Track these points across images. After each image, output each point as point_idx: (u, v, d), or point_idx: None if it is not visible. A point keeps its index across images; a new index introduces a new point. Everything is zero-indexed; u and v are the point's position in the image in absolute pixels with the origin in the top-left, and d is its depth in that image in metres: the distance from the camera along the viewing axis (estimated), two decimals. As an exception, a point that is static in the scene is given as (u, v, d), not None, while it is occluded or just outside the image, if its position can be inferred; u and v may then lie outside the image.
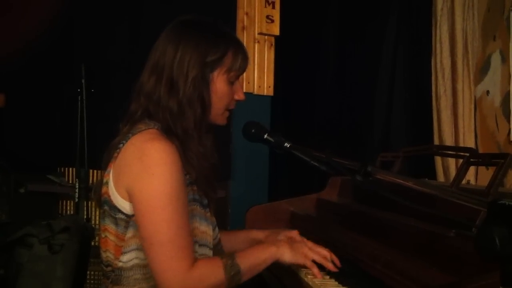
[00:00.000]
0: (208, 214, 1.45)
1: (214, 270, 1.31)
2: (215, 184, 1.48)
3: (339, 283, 1.42)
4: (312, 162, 1.44)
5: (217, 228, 1.49)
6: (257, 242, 1.57)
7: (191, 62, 1.37)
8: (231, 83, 1.44)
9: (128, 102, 1.43)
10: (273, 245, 1.42)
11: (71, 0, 3.25)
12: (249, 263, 1.36)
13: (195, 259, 1.30)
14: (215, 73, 1.41)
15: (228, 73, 1.42)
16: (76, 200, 2.95)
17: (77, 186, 2.95)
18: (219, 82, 1.42)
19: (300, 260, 1.41)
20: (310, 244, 1.46)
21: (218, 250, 1.47)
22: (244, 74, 1.69)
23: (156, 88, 1.38)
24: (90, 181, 2.97)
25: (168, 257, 1.26)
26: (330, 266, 1.43)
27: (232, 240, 1.62)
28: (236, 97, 1.47)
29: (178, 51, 1.37)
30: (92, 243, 1.94)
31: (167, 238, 1.26)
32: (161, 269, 1.26)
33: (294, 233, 1.60)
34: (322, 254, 1.44)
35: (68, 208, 3.43)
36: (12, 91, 2.98)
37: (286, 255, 1.40)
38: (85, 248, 1.80)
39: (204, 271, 1.29)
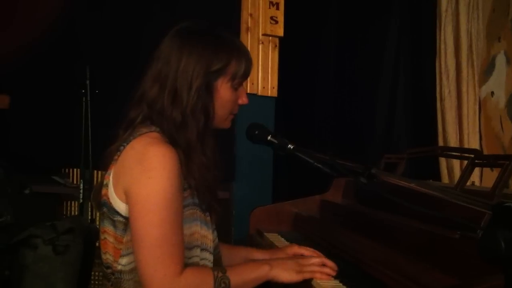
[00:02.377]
0: (208, 218, 1.44)
1: (203, 280, 1.29)
2: (218, 195, 1.47)
3: (343, 284, 1.42)
4: (315, 164, 1.44)
5: (215, 231, 1.48)
6: None
7: (194, 72, 1.36)
8: (235, 89, 1.44)
9: (128, 108, 1.42)
10: (267, 264, 1.40)
11: (74, 1, 3.25)
12: (240, 279, 1.34)
13: (184, 267, 1.28)
14: (219, 82, 1.40)
15: (232, 81, 1.42)
16: (81, 201, 2.95)
17: (81, 187, 2.96)
18: (223, 90, 1.41)
19: (295, 278, 1.40)
20: (302, 260, 1.46)
21: (216, 254, 1.47)
22: (248, 76, 1.68)
23: (159, 98, 1.38)
24: (95, 182, 2.98)
25: (156, 262, 1.24)
26: (325, 277, 1.43)
27: (233, 255, 1.60)
28: (240, 101, 1.47)
29: (181, 62, 1.37)
30: (96, 244, 1.94)
31: (157, 242, 1.25)
32: (148, 273, 1.25)
33: (295, 249, 1.59)
34: (316, 269, 1.44)
35: (73, 209, 3.43)
36: (16, 92, 2.98)
37: (282, 276, 1.39)
38: (89, 249, 1.80)
39: (192, 280, 1.28)
